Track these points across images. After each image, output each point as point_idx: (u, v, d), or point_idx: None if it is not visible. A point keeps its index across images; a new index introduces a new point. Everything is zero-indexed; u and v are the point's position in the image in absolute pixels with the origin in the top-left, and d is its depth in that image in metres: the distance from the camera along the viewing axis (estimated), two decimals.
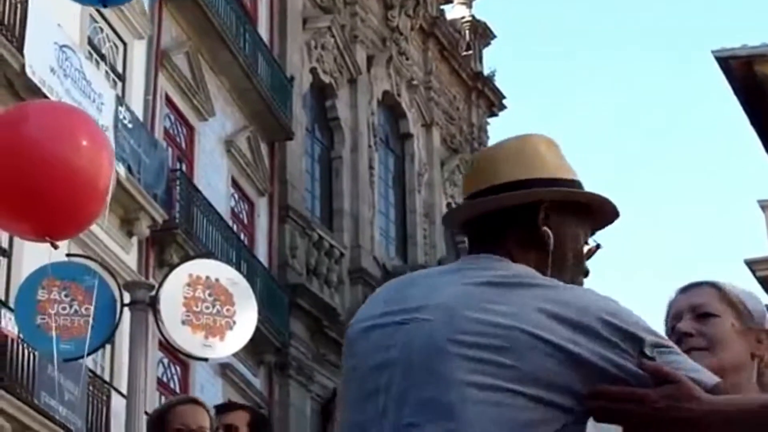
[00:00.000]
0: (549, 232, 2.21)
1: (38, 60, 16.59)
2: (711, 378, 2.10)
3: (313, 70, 27.08)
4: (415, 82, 30.96)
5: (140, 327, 6.85)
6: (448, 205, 31.13)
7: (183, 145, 22.36)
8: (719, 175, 66.96)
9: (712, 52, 18.16)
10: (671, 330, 2.62)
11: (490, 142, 34.04)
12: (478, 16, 34.83)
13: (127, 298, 6.96)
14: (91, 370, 16.98)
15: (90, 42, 19.35)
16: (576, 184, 2.27)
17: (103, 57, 19.73)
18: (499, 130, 35.38)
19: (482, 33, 34.89)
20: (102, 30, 19.81)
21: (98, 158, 4.79)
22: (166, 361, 20.22)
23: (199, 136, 22.61)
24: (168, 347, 9.37)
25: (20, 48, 16.45)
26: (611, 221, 2.31)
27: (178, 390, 20.26)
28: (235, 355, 17.30)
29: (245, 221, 24.41)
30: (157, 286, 7.07)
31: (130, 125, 18.81)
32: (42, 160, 4.61)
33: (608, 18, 71.71)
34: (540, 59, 70.98)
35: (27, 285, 7.26)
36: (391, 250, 29.69)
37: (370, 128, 28.81)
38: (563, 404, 2.04)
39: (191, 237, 20.44)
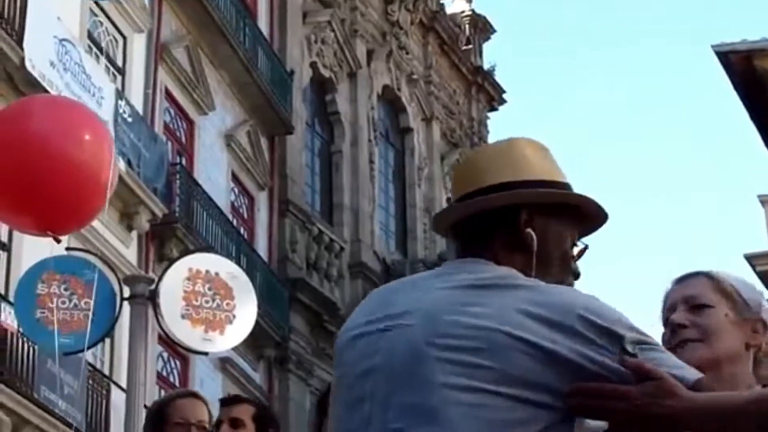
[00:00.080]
0: (532, 233, 2.21)
1: (38, 54, 16.58)
2: (694, 374, 2.10)
3: (313, 65, 27.08)
4: (415, 77, 30.96)
5: (140, 321, 6.85)
6: (448, 199, 31.10)
7: (183, 139, 22.37)
8: (719, 169, 66.96)
9: (712, 46, 18.16)
10: (666, 321, 2.61)
11: (490, 137, 34.20)
12: (478, 11, 34.84)
13: (126, 292, 6.95)
14: (90, 364, 16.99)
15: (90, 36, 19.35)
16: (564, 186, 2.27)
17: (102, 51, 19.73)
18: (499, 124, 35.47)
19: (482, 27, 34.88)
20: (102, 24, 19.80)
21: (101, 153, 4.80)
22: (165, 355, 20.24)
23: (199, 130, 22.61)
24: (168, 341, 9.38)
25: (20, 42, 16.45)
26: (601, 223, 2.31)
27: (177, 384, 20.28)
28: (234, 349, 17.33)
29: (245, 215, 24.42)
30: (156, 280, 7.06)
31: (129, 119, 18.81)
32: (45, 154, 4.62)
33: (608, 12, 71.69)
34: (540, 54, 70.99)
35: (26, 279, 7.26)
36: (391, 244, 29.70)
37: (370, 122, 28.82)
38: (544, 402, 2.05)
39: (191, 231, 20.45)
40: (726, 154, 67.99)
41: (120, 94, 18.91)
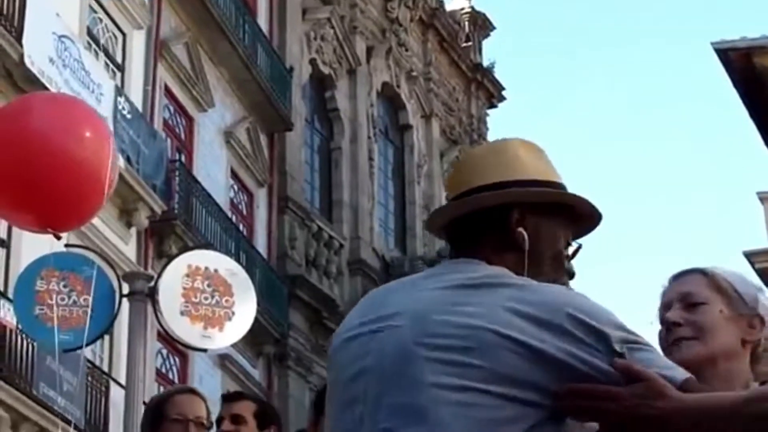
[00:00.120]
0: (524, 233, 2.21)
1: (37, 50, 16.57)
2: (683, 374, 2.10)
3: (312, 61, 27.08)
4: (414, 74, 30.95)
5: (139, 318, 6.85)
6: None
7: (182, 136, 22.36)
8: (718, 167, 66.95)
9: (712, 44, 18.16)
10: (662, 319, 2.60)
11: (490, 134, 34.21)
12: (477, 8, 34.83)
13: (125, 289, 6.96)
14: (89, 361, 17.00)
15: (89, 32, 19.34)
16: (558, 187, 2.27)
17: (102, 47, 19.72)
18: (498, 121, 35.48)
19: (482, 24, 34.88)
20: (101, 20, 19.79)
21: (101, 150, 4.80)
22: (164, 351, 20.24)
23: (199, 127, 22.61)
24: (167, 338, 9.36)
25: (19, 38, 16.44)
26: (595, 224, 2.31)
27: (176, 381, 20.28)
28: (234, 346, 17.35)
29: (244, 212, 24.42)
30: (156, 276, 7.07)
31: (129, 116, 18.81)
32: (45, 151, 4.62)
33: (608, 10, 71.69)
34: (540, 51, 70.94)
35: (26, 275, 7.27)
36: (390, 241, 29.70)
37: (370, 119, 28.81)
38: (532, 401, 2.05)
39: (190, 228, 20.45)
40: (725, 151, 67.99)
41: (119, 91, 18.90)
